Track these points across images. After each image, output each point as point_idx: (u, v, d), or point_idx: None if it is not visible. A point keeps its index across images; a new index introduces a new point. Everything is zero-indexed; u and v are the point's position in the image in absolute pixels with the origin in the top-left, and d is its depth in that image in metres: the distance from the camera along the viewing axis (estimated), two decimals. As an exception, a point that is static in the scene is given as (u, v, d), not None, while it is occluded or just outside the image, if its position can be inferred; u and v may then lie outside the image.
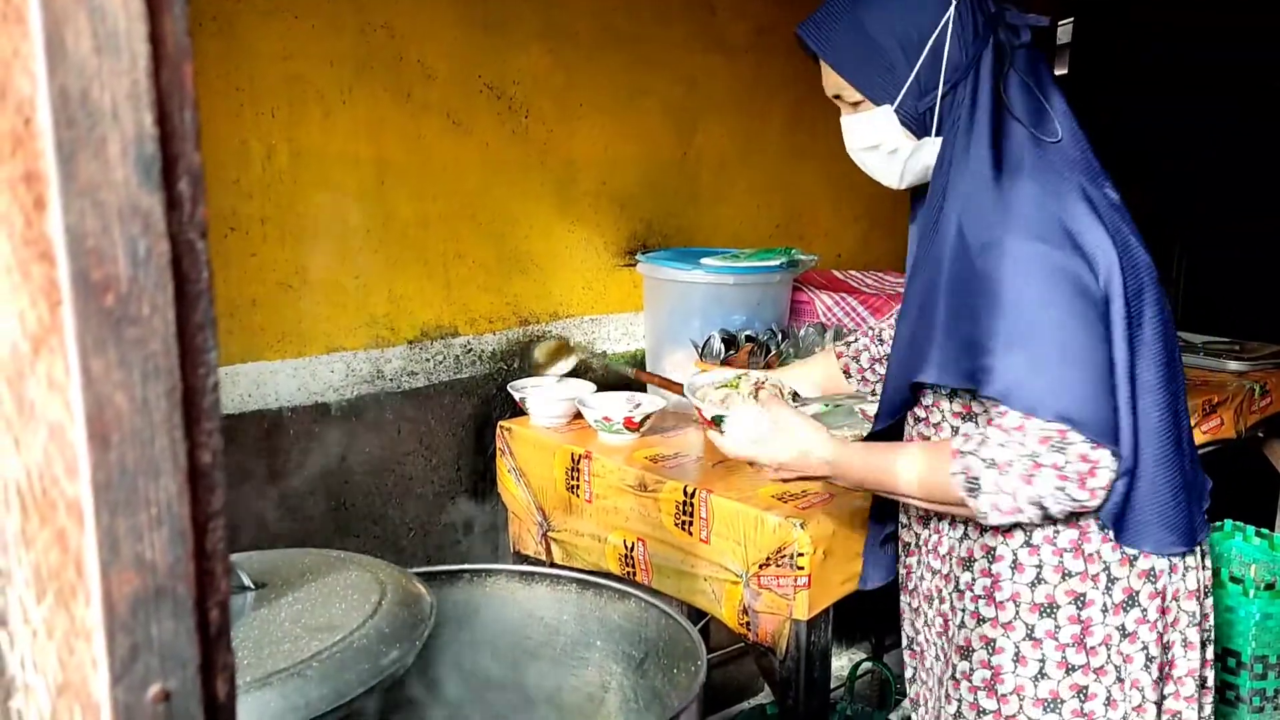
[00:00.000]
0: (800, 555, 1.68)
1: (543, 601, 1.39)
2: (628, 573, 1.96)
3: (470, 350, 2.39)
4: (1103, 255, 1.25)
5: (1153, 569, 1.34)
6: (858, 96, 1.37)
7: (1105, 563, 1.34)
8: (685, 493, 1.87)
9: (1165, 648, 1.36)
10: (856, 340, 1.84)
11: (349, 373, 2.19)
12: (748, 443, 1.45)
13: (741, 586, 1.78)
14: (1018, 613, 1.36)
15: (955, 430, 1.40)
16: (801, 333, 2.33)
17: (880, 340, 1.80)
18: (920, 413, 1.45)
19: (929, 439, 1.44)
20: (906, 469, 1.34)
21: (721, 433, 1.49)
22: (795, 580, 1.68)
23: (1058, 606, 1.34)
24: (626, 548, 1.97)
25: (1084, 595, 1.34)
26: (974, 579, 1.39)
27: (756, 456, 1.44)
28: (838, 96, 1.40)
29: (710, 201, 2.86)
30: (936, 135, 1.35)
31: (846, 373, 1.82)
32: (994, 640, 1.37)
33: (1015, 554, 1.36)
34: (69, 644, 0.37)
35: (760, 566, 1.74)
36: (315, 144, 2.09)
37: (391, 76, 2.18)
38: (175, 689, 0.38)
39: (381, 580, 1.20)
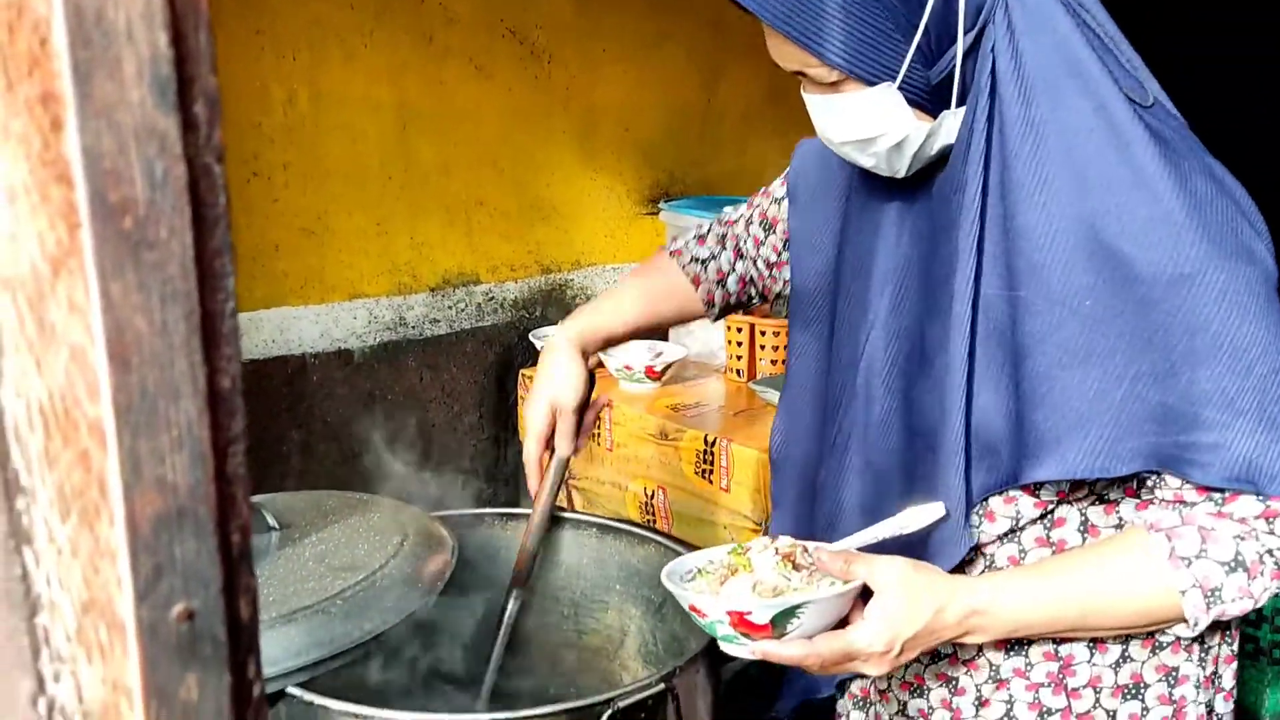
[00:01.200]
0: (819, 503, 1.69)
1: (563, 546, 1.40)
2: (648, 520, 1.97)
3: (492, 298, 2.39)
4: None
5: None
6: (838, 75, 0.95)
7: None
8: (706, 441, 1.88)
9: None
10: (699, 249, 1.34)
11: (371, 319, 2.21)
12: (874, 630, 0.91)
13: (761, 534, 1.79)
14: (1097, 699, 1.05)
15: (1000, 539, 1.01)
16: (824, 282, 2.31)
17: (724, 246, 1.33)
18: (973, 519, 1.01)
19: (982, 558, 1.04)
20: (1097, 594, 0.95)
21: (782, 635, 0.91)
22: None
23: (1146, 686, 1.05)
24: (647, 495, 1.99)
25: (1176, 670, 1.05)
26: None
27: (892, 645, 0.92)
28: (800, 73, 0.98)
29: (734, 149, 2.83)
30: (959, 105, 0.96)
31: (709, 301, 1.33)
32: None
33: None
34: (93, 563, 0.38)
35: (779, 514, 1.74)
36: (336, 88, 2.08)
37: (413, 19, 2.16)
38: (198, 608, 0.39)
39: (403, 522, 1.22)
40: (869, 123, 0.96)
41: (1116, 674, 1.04)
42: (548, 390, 1.24)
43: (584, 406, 1.25)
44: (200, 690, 0.39)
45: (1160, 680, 1.04)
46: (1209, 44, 3.50)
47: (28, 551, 0.37)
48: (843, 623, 0.94)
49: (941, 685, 1.09)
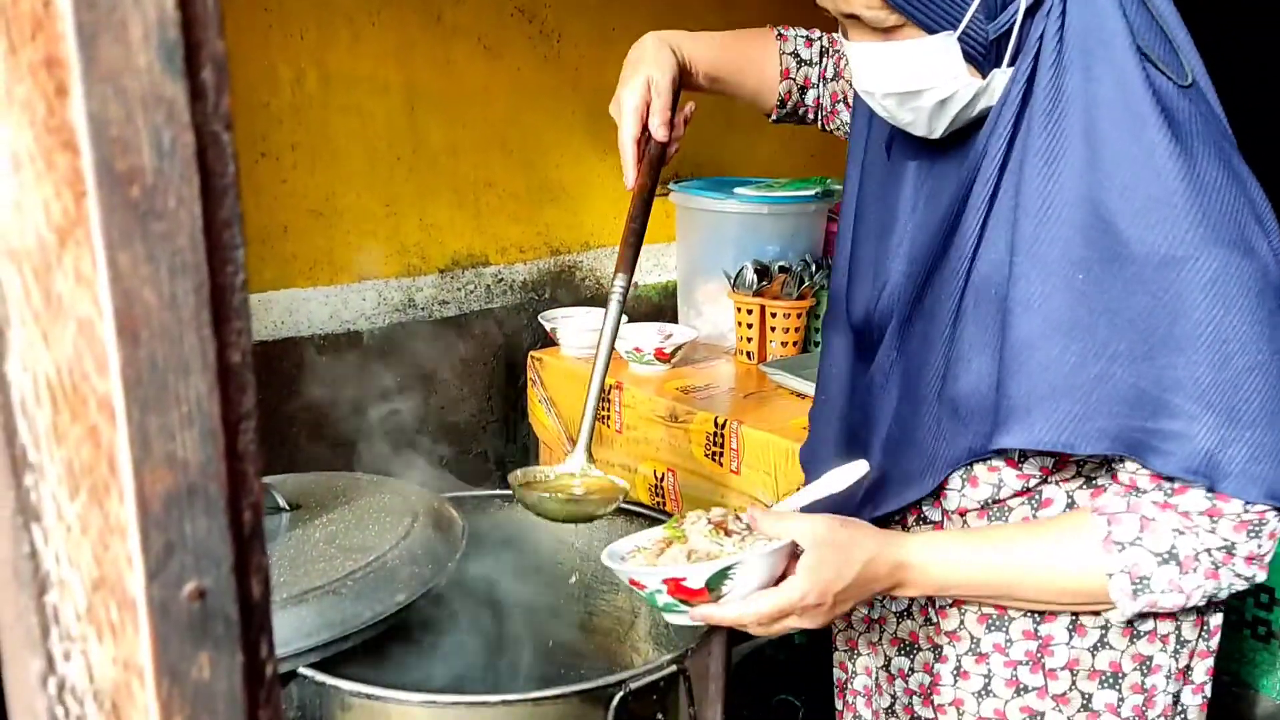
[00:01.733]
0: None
1: (573, 527, 1.40)
2: (658, 503, 1.97)
3: (501, 280, 2.38)
4: None
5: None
6: (896, 19, 0.91)
7: (1178, 620, 1.05)
8: (716, 424, 1.87)
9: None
10: (803, 49, 1.28)
11: (380, 301, 2.20)
12: (807, 584, 0.93)
13: (771, 516, 1.78)
14: (1074, 681, 1.05)
15: (984, 508, 1.03)
16: (835, 264, 2.30)
17: (823, 59, 1.29)
18: (955, 483, 1.04)
19: (963, 523, 1.05)
20: (1026, 566, 0.97)
21: (718, 598, 0.93)
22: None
23: (1123, 675, 1.05)
24: (657, 478, 1.98)
25: (1150, 659, 1.05)
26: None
27: (824, 597, 0.93)
28: (852, 16, 0.94)
29: (744, 130, 2.80)
30: (1009, 65, 0.93)
31: (783, 100, 1.29)
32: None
33: (1075, 613, 1.04)
34: (103, 540, 0.37)
35: (790, 496, 1.74)
36: (344, 68, 2.06)
37: (421, -1, 2.15)
38: (210, 587, 0.38)
39: (414, 504, 1.21)
40: (920, 74, 0.93)
41: (1094, 658, 1.04)
42: (643, 68, 1.16)
43: (677, 94, 1.19)
44: (212, 670, 0.39)
45: (1135, 669, 1.05)
46: (1261, 28, 3.45)
47: (36, 529, 0.36)
48: (779, 581, 0.95)
49: (928, 649, 1.11)
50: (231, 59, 0.37)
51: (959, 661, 1.08)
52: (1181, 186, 0.88)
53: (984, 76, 0.94)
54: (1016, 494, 1.02)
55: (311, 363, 2.11)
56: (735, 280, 2.20)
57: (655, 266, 2.66)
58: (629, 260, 1.17)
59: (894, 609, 1.15)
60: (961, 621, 1.07)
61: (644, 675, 1.00)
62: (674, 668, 1.02)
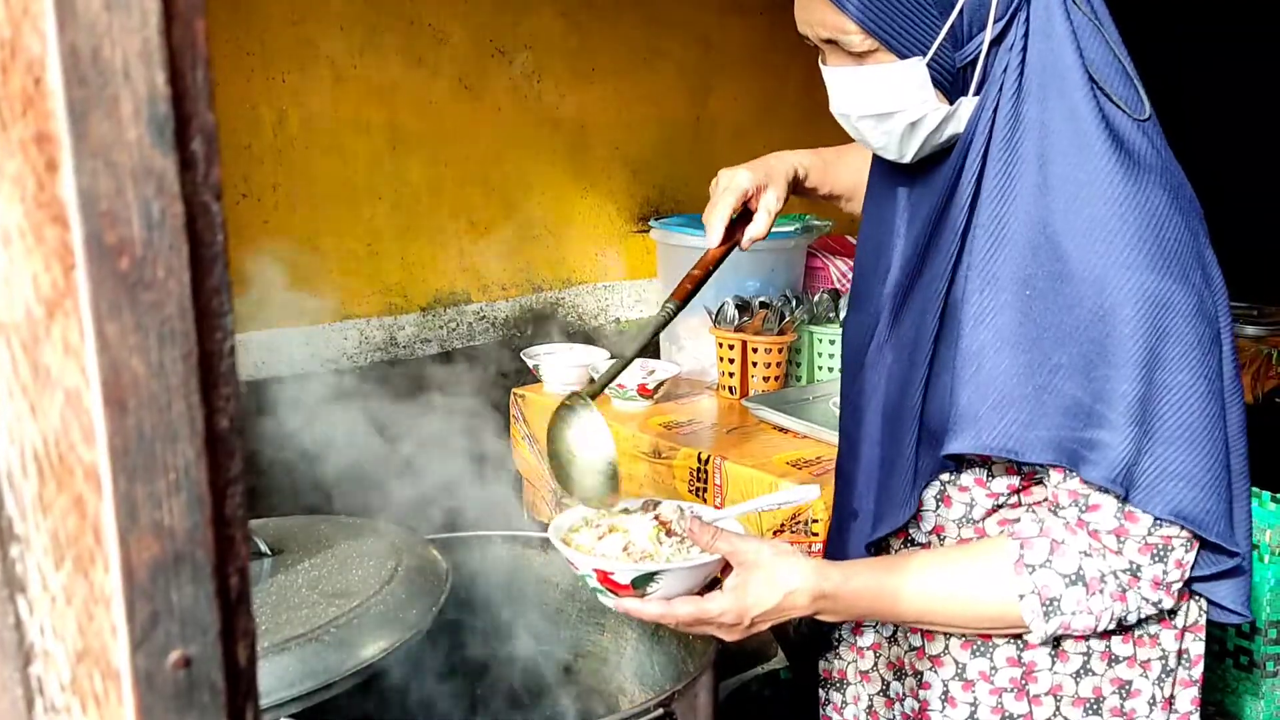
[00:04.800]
0: (815, 521, 1.68)
1: (557, 567, 1.39)
2: (642, 539, 1.96)
3: (483, 317, 2.39)
4: (1221, 287, 0.97)
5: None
6: (870, 44, 0.96)
7: (1164, 649, 1.07)
8: (699, 459, 1.87)
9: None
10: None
11: (362, 340, 2.20)
12: (726, 603, 0.98)
13: (755, 553, 1.78)
14: (1057, 708, 1.07)
15: (959, 527, 1.06)
16: (816, 299, 2.32)
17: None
18: (929, 503, 1.07)
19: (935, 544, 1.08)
20: (941, 591, 1.00)
21: (643, 595, 0.99)
22: (809, 546, 1.68)
23: (1103, 699, 1.07)
24: (640, 514, 1.98)
25: (1129, 684, 1.07)
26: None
27: (742, 618, 0.99)
28: (830, 41, 0.99)
29: (724, 166, 2.83)
30: (975, 94, 0.98)
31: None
32: None
33: (1058, 639, 1.05)
34: (88, 610, 0.37)
35: (775, 533, 1.74)
36: (326, 109, 2.07)
37: (402, 40, 2.16)
38: (196, 655, 0.38)
39: (397, 546, 1.21)
40: (892, 97, 0.98)
41: (1078, 684, 1.06)
42: (768, 179, 1.21)
43: (781, 202, 1.22)
44: (198, 738, 0.38)
45: (1114, 693, 1.07)
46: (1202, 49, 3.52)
47: (21, 600, 0.36)
48: (711, 586, 1.01)
49: (913, 675, 1.12)
50: (214, 100, 0.37)
51: (946, 688, 1.10)
52: (1123, 211, 0.92)
53: (951, 103, 0.99)
54: (988, 513, 1.05)
55: (293, 403, 2.10)
56: (717, 316, 2.21)
57: (637, 302, 2.67)
58: (685, 294, 1.16)
59: (884, 634, 1.16)
60: (946, 647, 1.09)
61: (631, 717, 0.99)
62: (660, 710, 1.02)
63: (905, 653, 1.13)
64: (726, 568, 1.01)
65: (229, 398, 0.39)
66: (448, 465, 2.34)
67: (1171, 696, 1.08)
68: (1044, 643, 1.04)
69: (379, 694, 1.16)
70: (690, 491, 1.89)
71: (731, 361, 2.17)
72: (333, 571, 1.15)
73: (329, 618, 1.04)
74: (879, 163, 1.13)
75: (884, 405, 1.10)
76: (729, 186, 1.20)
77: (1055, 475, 0.98)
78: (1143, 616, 1.00)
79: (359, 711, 1.12)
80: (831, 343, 2.25)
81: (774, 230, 2.30)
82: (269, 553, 1.19)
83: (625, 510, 1.08)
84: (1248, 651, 2.06)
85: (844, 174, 1.31)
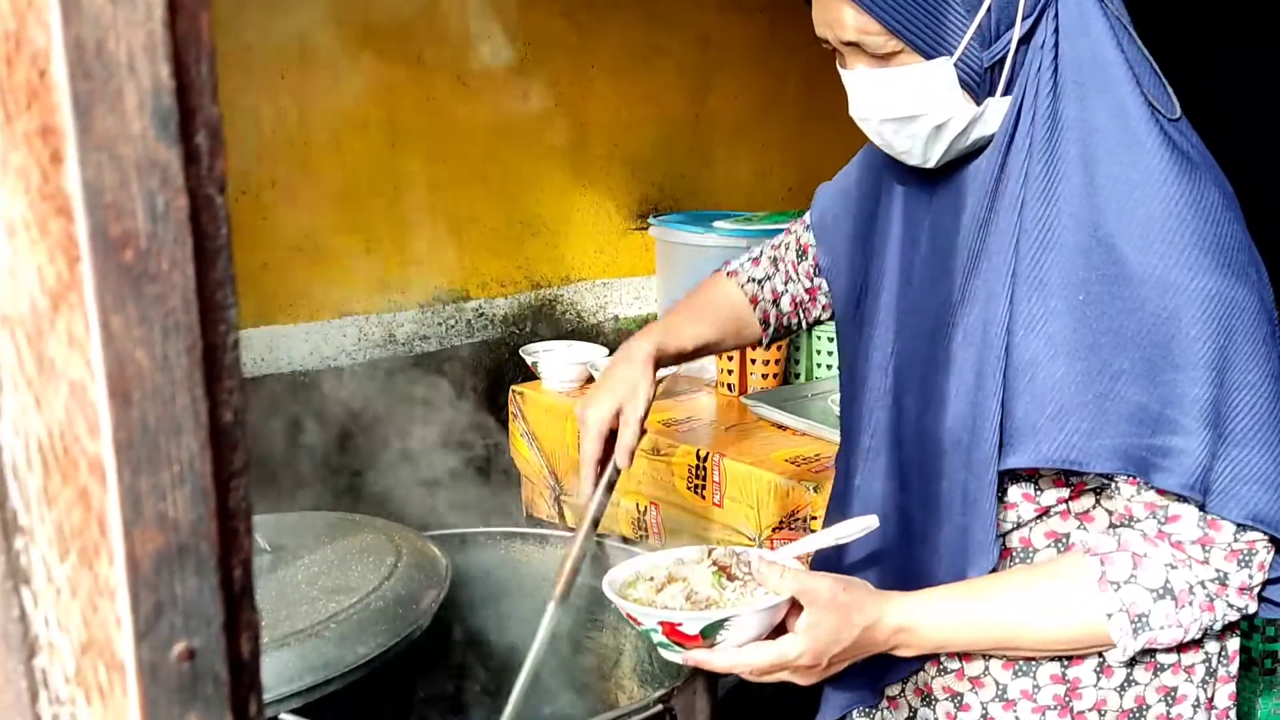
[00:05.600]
0: (813, 519, 1.68)
1: (556, 564, 1.39)
2: (640, 536, 1.96)
3: (482, 314, 2.39)
4: (1268, 283, 0.95)
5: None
6: (895, 45, 0.92)
7: (1207, 652, 1.04)
8: (698, 456, 1.88)
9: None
10: (755, 270, 1.31)
11: (361, 336, 2.20)
12: (804, 645, 0.93)
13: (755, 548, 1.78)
14: None
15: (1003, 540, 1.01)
16: (815, 296, 2.32)
17: (776, 268, 1.32)
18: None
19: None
20: (1025, 617, 0.96)
21: (713, 645, 0.94)
22: (808, 543, 1.68)
23: (1148, 707, 1.03)
24: (639, 511, 1.98)
25: (1175, 690, 1.04)
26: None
27: (820, 658, 0.94)
28: (851, 44, 0.95)
29: (723, 164, 2.83)
30: (1004, 94, 0.95)
31: (765, 321, 1.31)
32: None
33: (1102, 654, 1.01)
34: (93, 602, 0.37)
35: (773, 530, 1.74)
36: (325, 106, 2.07)
37: (401, 37, 2.16)
38: (200, 647, 0.38)
39: (396, 543, 1.21)
40: (917, 99, 0.94)
41: (1121, 698, 1.03)
42: (619, 395, 1.17)
43: (644, 403, 1.19)
44: (202, 730, 0.39)
45: (1160, 700, 1.04)
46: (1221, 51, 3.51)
47: (26, 592, 0.36)
48: (779, 630, 0.95)
49: (948, 699, 1.09)
50: None
51: (985, 709, 1.05)
52: (1181, 210, 0.89)
53: (979, 104, 0.95)
54: (1033, 523, 1.01)
55: (292, 400, 2.10)
56: (716, 313, 2.20)
57: (636, 299, 2.67)
58: (568, 585, 1.13)
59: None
60: (986, 668, 1.04)
61: (630, 715, 1.00)
62: (660, 706, 1.02)
63: (934, 677, 1.08)
64: (794, 608, 0.96)
65: (233, 390, 0.39)
66: (447, 462, 2.34)
67: (1212, 696, 1.07)
68: (1149, 655, 1.00)
69: (378, 689, 1.16)
70: (689, 489, 1.90)
71: (730, 359, 2.18)
72: (333, 567, 1.15)
73: (329, 613, 1.04)
74: (888, 168, 1.09)
75: (940, 433, 1.02)
76: (585, 429, 1.17)
77: (1127, 488, 0.95)
78: (1229, 623, 0.97)
79: (358, 707, 1.12)
80: (830, 340, 2.26)
81: (771, 228, 2.31)
82: (269, 549, 1.19)
83: (680, 561, 1.03)
84: (1245, 649, 2.06)
85: (704, 328, 1.27)
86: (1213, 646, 1.05)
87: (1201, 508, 0.92)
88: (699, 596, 0.97)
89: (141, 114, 0.35)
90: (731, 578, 0.98)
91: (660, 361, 1.21)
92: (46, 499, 0.36)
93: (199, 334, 0.37)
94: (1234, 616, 0.96)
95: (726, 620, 0.92)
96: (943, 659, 1.07)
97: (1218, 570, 0.94)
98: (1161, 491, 0.92)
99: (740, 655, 0.94)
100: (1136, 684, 1.03)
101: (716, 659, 0.94)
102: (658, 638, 0.95)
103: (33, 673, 0.37)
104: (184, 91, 0.35)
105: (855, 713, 1.16)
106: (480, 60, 2.29)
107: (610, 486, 1.20)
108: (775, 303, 1.31)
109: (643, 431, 1.18)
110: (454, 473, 2.36)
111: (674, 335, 1.24)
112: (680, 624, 0.93)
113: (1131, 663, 1.02)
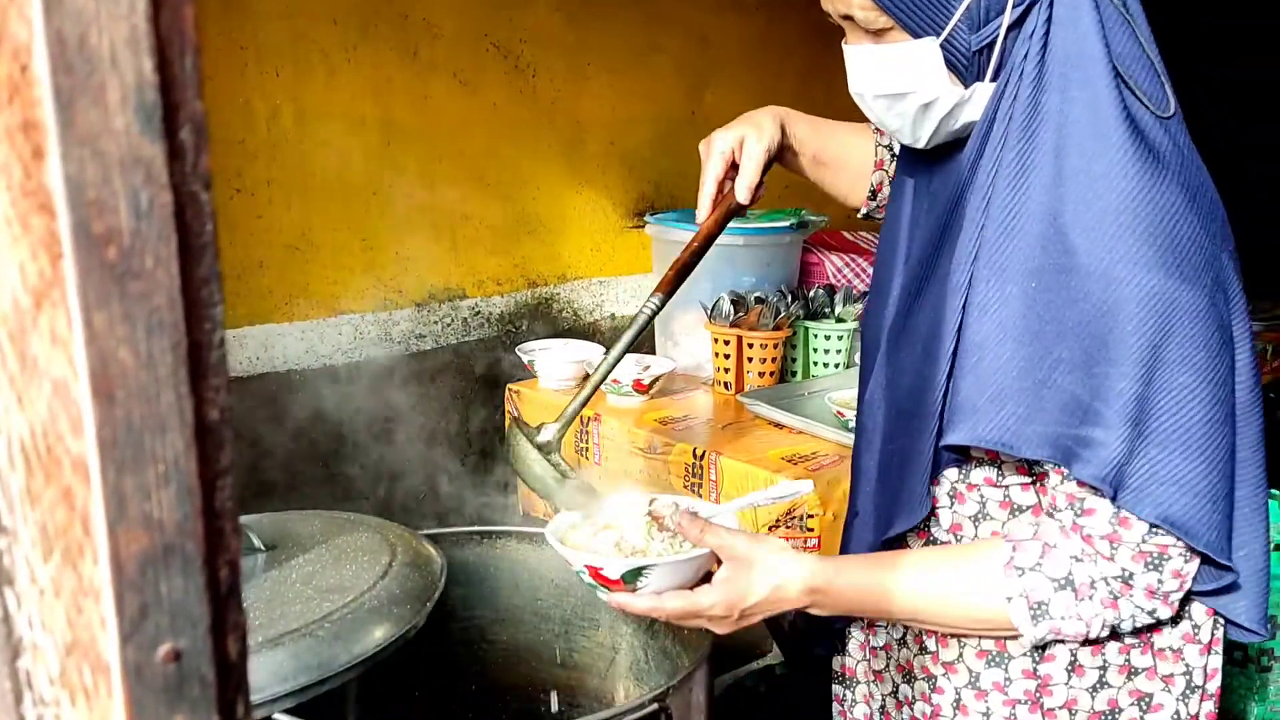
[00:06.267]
0: (810, 516, 1.68)
1: (552, 563, 1.39)
2: (637, 534, 1.96)
3: (478, 312, 2.38)
4: (1239, 296, 0.95)
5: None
6: (885, 21, 0.95)
7: (1189, 665, 1.05)
8: (695, 455, 1.87)
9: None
10: (891, 141, 1.31)
11: (357, 335, 2.19)
12: (716, 596, 1.00)
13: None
14: None
15: (975, 523, 1.04)
16: (811, 294, 2.31)
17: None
18: (943, 500, 1.06)
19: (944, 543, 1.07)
20: (931, 590, 1.00)
21: (634, 590, 1.01)
22: (805, 541, 1.68)
23: (1120, 710, 1.05)
24: (636, 510, 1.98)
25: (1150, 697, 1.04)
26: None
27: (732, 610, 1.00)
28: (848, 17, 0.98)
29: (719, 162, 2.83)
30: (991, 80, 0.97)
31: (874, 194, 1.34)
32: None
33: (1074, 653, 1.03)
34: (77, 603, 0.36)
35: (770, 528, 1.74)
36: (320, 104, 2.07)
37: (397, 34, 2.16)
38: (186, 648, 0.38)
39: (391, 542, 1.21)
40: (904, 77, 0.97)
41: (1093, 699, 1.04)
42: (746, 127, 1.21)
43: (769, 164, 1.23)
44: (188, 732, 0.38)
45: (1133, 705, 1.04)
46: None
47: (9, 593, 0.36)
48: (706, 580, 1.03)
49: (924, 679, 1.11)
50: (207, 96, 0.37)
51: (958, 694, 1.08)
52: (1136, 205, 0.90)
53: (966, 87, 0.97)
54: (1004, 509, 1.03)
55: (287, 398, 2.09)
56: (712, 311, 2.20)
57: (632, 297, 2.67)
58: (670, 284, 1.21)
59: (894, 636, 1.15)
60: (960, 654, 1.07)
61: (626, 713, 0.99)
62: (655, 705, 1.01)
63: (915, 656, 1.11)
64: (719, 562, 1.02)
65: (218, 389, 0.38)
66: (442, 461, 2.33)
67: (1196, 714, 1.07)
68: (1035, 647, 1.02)
69: (372, 689, 1.16)
70: (686, 487, 1.89)
71: (727, 357, 2.17)
72: (327, 566, 1.15)
73: (323, 613, 1.04)
74: (904, 152, 1.14)
75: (896, 400, 1.08)
76: (707, 155, 1.22)
77: (1054, 477, 0.97)
78: (1139, 625, 0.98)
79: (353, 707, 1.12)
80: (827, 338, 2.25)
81: (770, 226, 2.31)
82: (262, 548, 1.19)
83: (625, 505, 1.10)
84: (1241, 646, 2.06)
85: (831, 143, 1.30)
86: (1195, 661, 1.04)
87: (1113, 501, 0.93)
88: (627, 545, 1.05)
89: (125, 109, 0.34)
90: (663, 529, 1.05)
91: (787, 126, 1.25)
92: (29, 499, 0.36)
93: (184, 332, 0.37)
94: (1145, 619, 0.97)
95: (645, 569, 1.00)
96: (924, 640, 1.09)
97: (1123, 569, 0.94)
98: (1081, 484, 0.94)
99: (657, 601, 1.01)
100: (1109, 686, 1.04)
101: (636, 602, 1.02)
102: (586, 579, 1.03)
103: (17, 674, 0.37)
104: (168, 86, 0.35)
105: (859, 687, 1.21)
106: (476, 58, 2.29)
107: (726, 214, 1.22)
108: (888, 181, 1.31)
109: (762, 181, 1.21)
110: (450, 472, 2.36)
111: (806, 124, 1.27)
112: (603, 568, 1.01)
113: (1104, 665, 1.03)
